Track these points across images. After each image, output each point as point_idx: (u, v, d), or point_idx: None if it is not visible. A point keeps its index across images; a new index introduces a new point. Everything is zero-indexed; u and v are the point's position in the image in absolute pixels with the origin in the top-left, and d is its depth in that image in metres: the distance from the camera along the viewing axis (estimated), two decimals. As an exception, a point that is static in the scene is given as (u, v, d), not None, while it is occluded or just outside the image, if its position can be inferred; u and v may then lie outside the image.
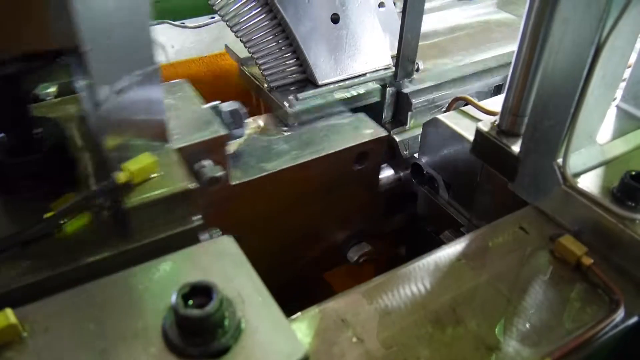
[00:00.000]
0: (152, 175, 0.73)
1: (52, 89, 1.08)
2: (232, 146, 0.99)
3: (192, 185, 0.73)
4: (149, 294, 0.64)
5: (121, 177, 0.70)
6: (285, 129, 1.14)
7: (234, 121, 0.98)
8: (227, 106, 0.98)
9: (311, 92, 1.15)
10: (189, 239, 0.74)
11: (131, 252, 0.71)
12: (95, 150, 0.84)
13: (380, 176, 1.25)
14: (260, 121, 1.16)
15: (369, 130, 1.14)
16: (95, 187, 0.73)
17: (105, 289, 0.65)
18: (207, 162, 0.86)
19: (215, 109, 0.96)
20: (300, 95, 1.13)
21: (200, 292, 0.57)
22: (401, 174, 1.29)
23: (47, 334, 0.60)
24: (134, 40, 0.67)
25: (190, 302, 0.57)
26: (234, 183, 0.98)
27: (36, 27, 0.65)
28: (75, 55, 0.70)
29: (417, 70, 1.25)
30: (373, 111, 1.33)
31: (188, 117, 0.90)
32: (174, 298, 0.56)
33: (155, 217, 0.72)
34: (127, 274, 0.67)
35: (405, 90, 1.23)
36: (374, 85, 1.21)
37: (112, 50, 0.66)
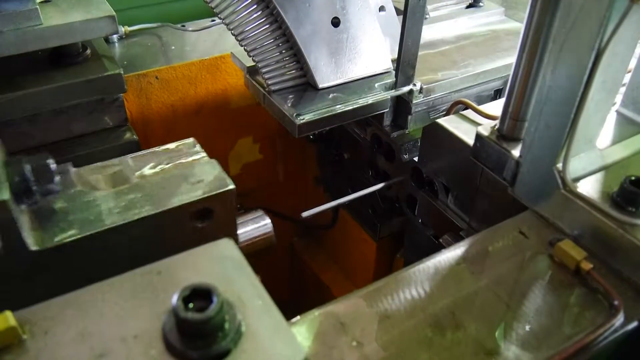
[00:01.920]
0: None
1: None
2: (45, 203, 0.78)
3: None
4: (149, 296, 0.64)
5: None
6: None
7: (40, 178, 0.77)
8: (30, 161, 0.76)
9: (311, 96, 1.15)
10: None
11: None
12: None
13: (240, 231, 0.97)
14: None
15: (215, 183, 0.87)
16: None
17: (105, 292, 0.65)
18: None
19: (16, 164, 0.75)
20: (301, 100, 1.13)
21: (200, 295, 0.57)
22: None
23: (47, 336, 0.60)
24: None
25: (191, 305, 0.57)
26: (33, 249, 0.74)
27: None
28: None
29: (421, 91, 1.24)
30: (373, 115, 1.33)
31: None
32: (174, 301, 0.56)
33: None
34: (127, 277, 0.67)
35: (413, 100, 1.23)
36: (383, 96, 1.21)
37: None
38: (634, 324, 0.75)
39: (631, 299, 0.78)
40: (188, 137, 1.08)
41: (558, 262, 0.83)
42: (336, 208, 1.70)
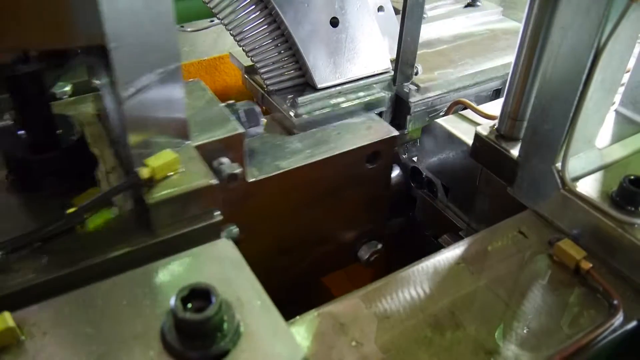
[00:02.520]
0: (174, 172, 0.74)
1: (67, 88, 1.10)
2: (248, 144, 1.01)
3: (213, 181, 0.74)
4: (149, 297, 0.64)
5: (144, 172, 0.70)
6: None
7: (249, 120, 1.00)
8: (243, 105, 1.01)
9: (310, 96, 1.15)
10: (211, 234, 0.74)
11: (154, 247, 0.71)
12: (116, 147, 0.86)
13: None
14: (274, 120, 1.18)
15: (380, 130, 1.15)
16: (117, 182, 0.74)
17: (104, 292, 0.65)
18: (225, 160, 0.88)
19: (231, 107, 0.98)
20: (300, 100, 1.13)
21: (199, 296, 0.57)
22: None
23: (46, 337, 0.60)
24: (157, 38, 0.68)
25: (189, 305, 0.57)
26: (250, 180, 1.00)
27: (61, 24, 0.66)
28: (98, 54, 0.71)
29: (417, 73, 1.25)
30: (372, 115, 1.33)
31: (205, 116, 0.92)
32: (172, 301, 0.56)
33: (177, 212, 0.73)
34: (126, 277, 0.67)
35: (412, 100, 1.24)
36: (382, 94, 1.21)
37: (136, 48, 0.67)
38: (634, 324, 0.75)
39: (630, 298, 0.78)
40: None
41: (557, 262, 0.83)
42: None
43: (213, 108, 0.95)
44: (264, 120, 1.05)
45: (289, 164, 1.05)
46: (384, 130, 1.15)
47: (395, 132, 1.14)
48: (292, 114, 1.12)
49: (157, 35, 0.68)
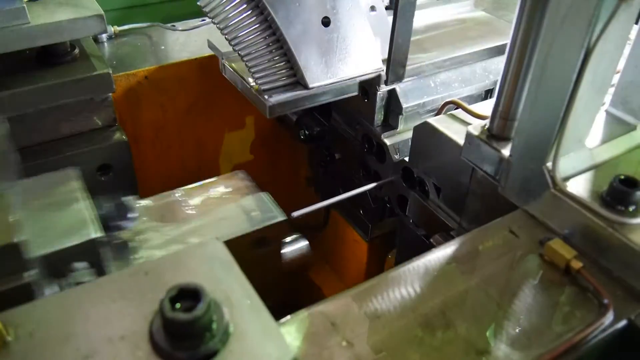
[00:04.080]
0: None
1: None
2: (120, 236, 0.95)
3: (17, 238, 0.67)
4: (137, 297, 0.63)
5: None
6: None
7: (118, 214, 0.93)
8: (109, 199, 0.92)
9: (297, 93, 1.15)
10: (23, 295, 0.68)
11: None
12: None
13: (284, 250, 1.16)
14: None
15: (268, 214, 1.07)
16: None
17: (92, 293, 0.64)
18: (80, 265, 0.80)
19: (97, 201, 0.89)
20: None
21: (188, 295, 0.57)
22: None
23: (32, 338, 0.59)
24: None
25: (178, 305, 0.56)
26: None
27: None
28: None
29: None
30: (364, 114, 1.33)
31: (61, 218, 0.83)
32: (161, 301, 0.56)
33: None
34: (114, 277, 0.66)
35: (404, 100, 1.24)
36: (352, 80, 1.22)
37: None
38: (624, 323, 0.75)
39: (621, 297, 0.78)
40: (178, 137, 1.08)
41: (548, 261, 0.83)
42: (327, 209, 1.69)
43: (74, 207, 0.84)
44: (136, 209, 0.97)
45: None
46: (272, 214, 1.07)
47: (283, 217, 1.06)
48: (270, 103, 1.14)
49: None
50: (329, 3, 1.17)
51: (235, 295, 0.63)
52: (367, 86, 1.27)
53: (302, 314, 0.74)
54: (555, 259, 0.82)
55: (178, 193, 1.13)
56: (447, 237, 1.15)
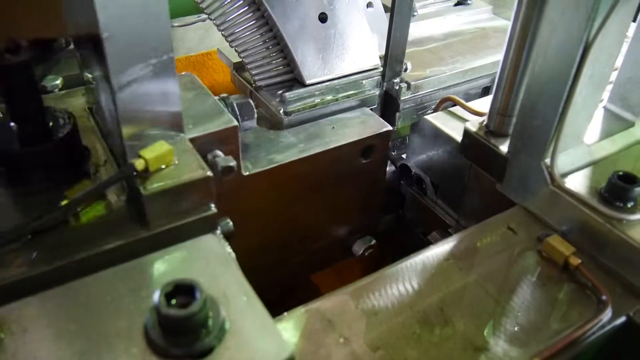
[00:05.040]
0: (168, 164, 0.73)
1: (58, 82, 1.09)
2: (241, 138, 1.00)
3: (208, 173, 0.73)
4: (133, 293, 0.63)
5: (138, 164, 0.69)
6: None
7: (243, 113, 1.01)
8: (236, 98, 1.01)
9: (299, 91, 1.14)
10: (205, 227, 0.73)
11: (148, 240, 0.70)
12: (109, 140, 0.85)
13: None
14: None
15: (374, 124, 1.16)
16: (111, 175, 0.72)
17: (87, 288, 0.64)
18: (219, 153, 0.87)
19: (224, 100, 0.99)
20: (288, 96, 1.12)
21: (183, 291, 0.56)
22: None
23: (26, 335, 0.59)
24: (150, 28, 0.67)
25: (173, 301, 0.56)
26: (245, 174, 1.00)
27: (53, 13, 0.65)
28: (89, 46, 0.70)
29: (406, 70, 1.25)
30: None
31: (199, 109, 0.91)
32: (156, 297, 0.55)
33: (171, 205, 0.71)
34: (110, 273, 0.65)
35: (401, 97, 1.24)
36: (373, 92, 1.21)
37: (128, 38, 0.66)
38: (622, 319, 0.75)
39: (619, 294, 0.78)
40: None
41: (546, 258, 0.83)
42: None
43: (206, 101, 0.94)
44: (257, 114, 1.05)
45: (282, 157, 1.05)
46: (377, 124, 1.15)
47: (389, 127, 1.15)
48: (281, 110, 1.12)
49: (150, 25, 0.67)
50: (326, -1, 1.16)
51: (231, 292, 0.62)
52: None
53: (299, 311, 0.74)
54: (553, 255, 0.82)
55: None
56: (445, 235, 1.15)
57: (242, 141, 0.96)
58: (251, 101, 1.02)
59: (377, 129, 1.14)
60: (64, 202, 0.70)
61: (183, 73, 1.01)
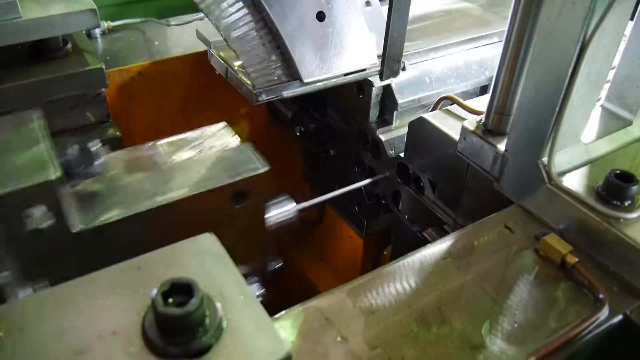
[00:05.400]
0: None
1: None
2: (86, 185, 0.87)
3: None
4: (129, 292, 0.63)
5: None
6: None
7: (84, 159, 0.86)
8: (74, 142, 0.86)
9: (297, 90, 1.15)
10: None
11: None
12: None
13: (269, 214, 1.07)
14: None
15: (249, 166, 0.96)
16: None
17: (83, 288, 0.63)
18: (37, 210, 0.75)
19: (62, 145, 0.84)
20: (285, 93, 1.13)
21: (180, 290, 0.56)
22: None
23: (24, 334, 0.58)
24: None
25: (170, 300, 0.55)
26: (75, 230, 0.82)
27: None
28: None
29: (404, 69, 1.25)
30: (359, 110, 1.33)
31: (19, 159, 0.79)
32: (153, 296, 0.55)
33: None
34: (106, 272, 0.65)
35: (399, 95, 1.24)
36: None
37: None
38: (619, 318, 0.75)
39: (616, 292, 0.78)
40: (172, 133, 1.07)
41: (544, 256, 0.83)
42: (322, 205, 1.69)
43: (32, 149, 0.80)
44: (105, 157, 0.90)
45: (129, 209, 0.85)
46: (253, 165, 0.96)
47: (265, 168, 0.96)
48: (250, 82, 1.13)
49: None
50: (323, -2, 1.16)
51: (228, 290, 0.62)
52: (362, 82, 1.26)
53: (297, 309, 0.74)
54: (550, 254, 0.82)
55: (151, 145, 1.02)
56: (441, 232, 1.15)
57: (84, 191, 0.83)
58: (94, 143, 0.87)
59: (251, 170, 0.95)
60: None
61: (24, 112, 0.86)
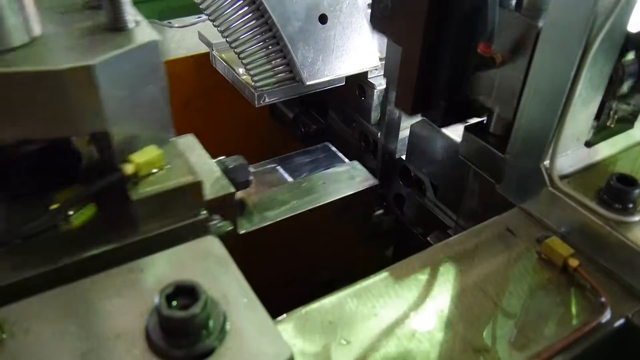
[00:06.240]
0: (158, 168, 0.73)
1: None
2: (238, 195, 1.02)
3: (198, 178, 0.73)
4: (133, 294, 0.63)
5: (128, 168, 0.69)
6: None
7: (239, 175, 1.01)
8: (232, 161, 1.02)
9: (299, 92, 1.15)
10: (196, 231, 0.74)
11: (138, 244, 0.70)
12: (99, 143, 0.83)
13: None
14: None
15: (362, 179, 1.24)
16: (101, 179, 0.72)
17: (88, 290, 0.64)
18: (216, 217, 0.86)
19: (221, 163, 0.99)
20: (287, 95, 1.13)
21: (184, 293, 0.56)
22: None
23: (28, 335, 0.59)
24: None
25: (174, 302, 0.56)
26: (241, 232, 1.05)
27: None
28: None
29: None
30: (360, 112, 1.33)
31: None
32: (157, 298, 0.55)
33: (161, 209, 0.71)
34: (111, 274, 0.65)
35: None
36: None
37: None
38: (621, 321, 0.75)
39: (618, 295, 0.78)
40: (174, 134, 1.08)
41: (545, 260, 0.83)
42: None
43: (204, 166, 0.94)
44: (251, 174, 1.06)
45: (275, 215, 1.11)
46: (364, 179, 1.23)
47: (375, 182, 1.23)
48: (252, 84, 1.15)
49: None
50: (326, 0, 1.16)
51: (232, 293, 0.63)
52: (364, 84, 1.26)
53: (299, 312, 0.74)
54: (552, 257, 0.82)
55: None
56: (444, 236, 1.15)
57: (237, 200, 0.98)
58: (244, 162, 1.03)
59: (364, 184, 1.22)
60: (53, 206, 0.69)
61: (184, 136, 0.98)
